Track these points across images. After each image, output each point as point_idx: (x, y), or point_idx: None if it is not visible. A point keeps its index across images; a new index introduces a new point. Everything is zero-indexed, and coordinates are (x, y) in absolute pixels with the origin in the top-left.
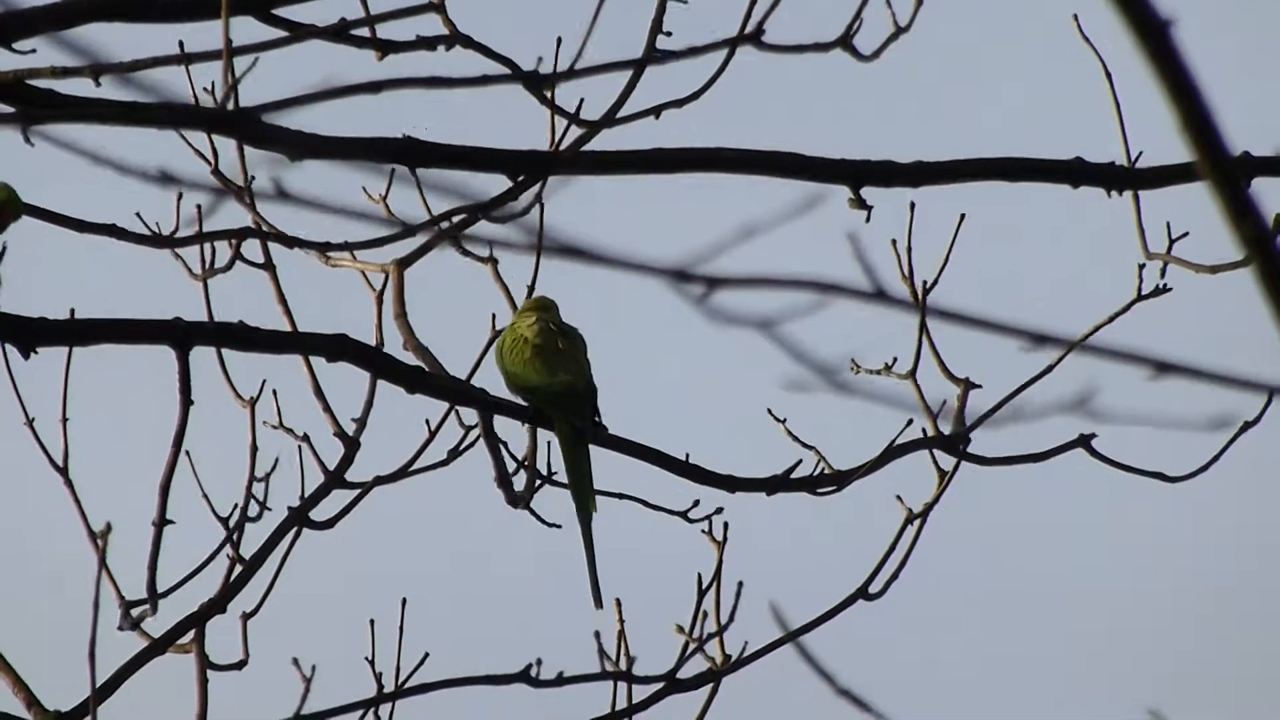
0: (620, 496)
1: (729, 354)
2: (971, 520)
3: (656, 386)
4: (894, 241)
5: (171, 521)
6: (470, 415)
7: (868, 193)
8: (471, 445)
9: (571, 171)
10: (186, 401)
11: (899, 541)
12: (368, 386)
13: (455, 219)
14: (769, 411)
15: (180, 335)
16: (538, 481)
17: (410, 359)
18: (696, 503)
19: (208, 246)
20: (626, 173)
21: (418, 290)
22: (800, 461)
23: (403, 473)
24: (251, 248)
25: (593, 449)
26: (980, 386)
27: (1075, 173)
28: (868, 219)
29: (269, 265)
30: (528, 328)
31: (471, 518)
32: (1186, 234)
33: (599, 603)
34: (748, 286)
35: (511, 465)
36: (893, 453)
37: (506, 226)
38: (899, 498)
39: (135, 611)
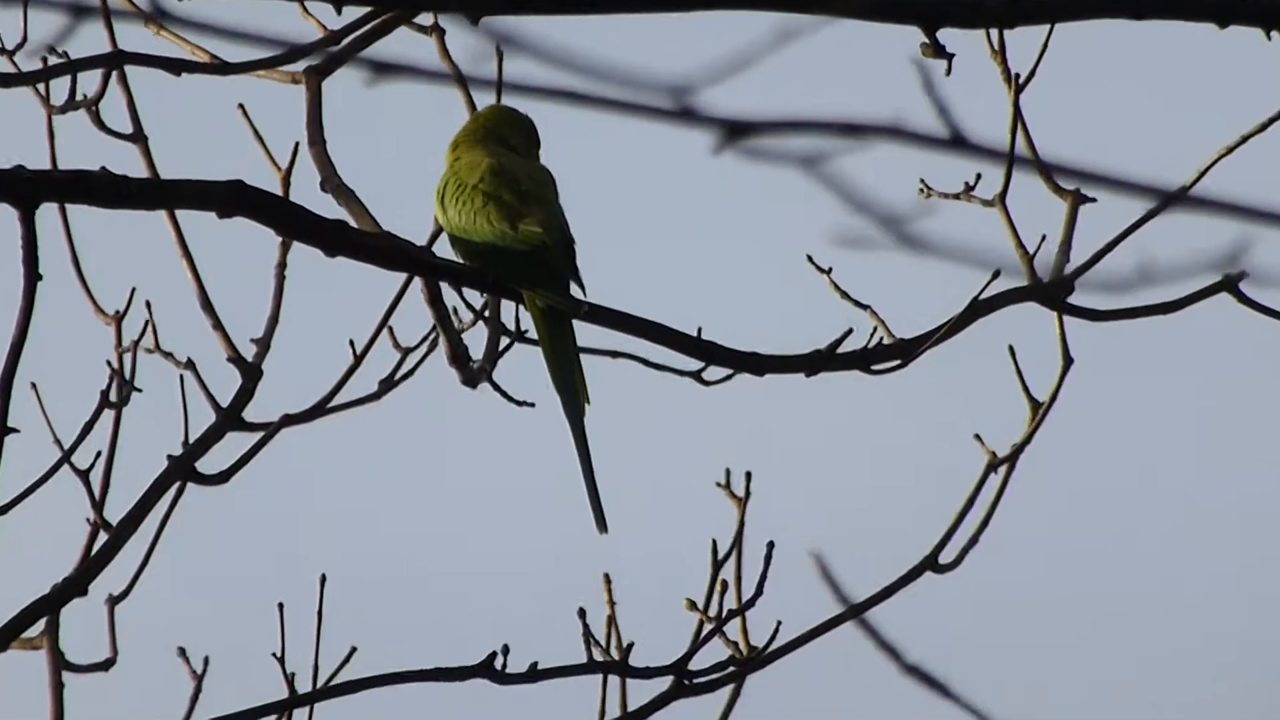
0: (613, 355)
1: (753, 204)
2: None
3: (656, 248)
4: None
5: (14, 430)
6: (411, 333)
7: (946, 36)
8: (411, 373)
9: (547, 10)
10: (33, 274)
11: (978, 494)
12: (273, 294)
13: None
14: (809, 260)
15: (23, 188)
16: (504, 341)
17: (330, 208)
18: (708, 364)
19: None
20: (613, 11)
21: (342, 120)
22: (851, 331)
23: (320, 409)
24: (118, 116)
25: (578, 325)
26: (1094, 200)
27: (1225, 8)
28: (948, 70)
29: (138, 136)
30: (473, 166)
31: (415, 462)
32: None
33: (602, 525)
34: (781, 131)
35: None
36: (975, 310)
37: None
38: (978, 437)
39: None
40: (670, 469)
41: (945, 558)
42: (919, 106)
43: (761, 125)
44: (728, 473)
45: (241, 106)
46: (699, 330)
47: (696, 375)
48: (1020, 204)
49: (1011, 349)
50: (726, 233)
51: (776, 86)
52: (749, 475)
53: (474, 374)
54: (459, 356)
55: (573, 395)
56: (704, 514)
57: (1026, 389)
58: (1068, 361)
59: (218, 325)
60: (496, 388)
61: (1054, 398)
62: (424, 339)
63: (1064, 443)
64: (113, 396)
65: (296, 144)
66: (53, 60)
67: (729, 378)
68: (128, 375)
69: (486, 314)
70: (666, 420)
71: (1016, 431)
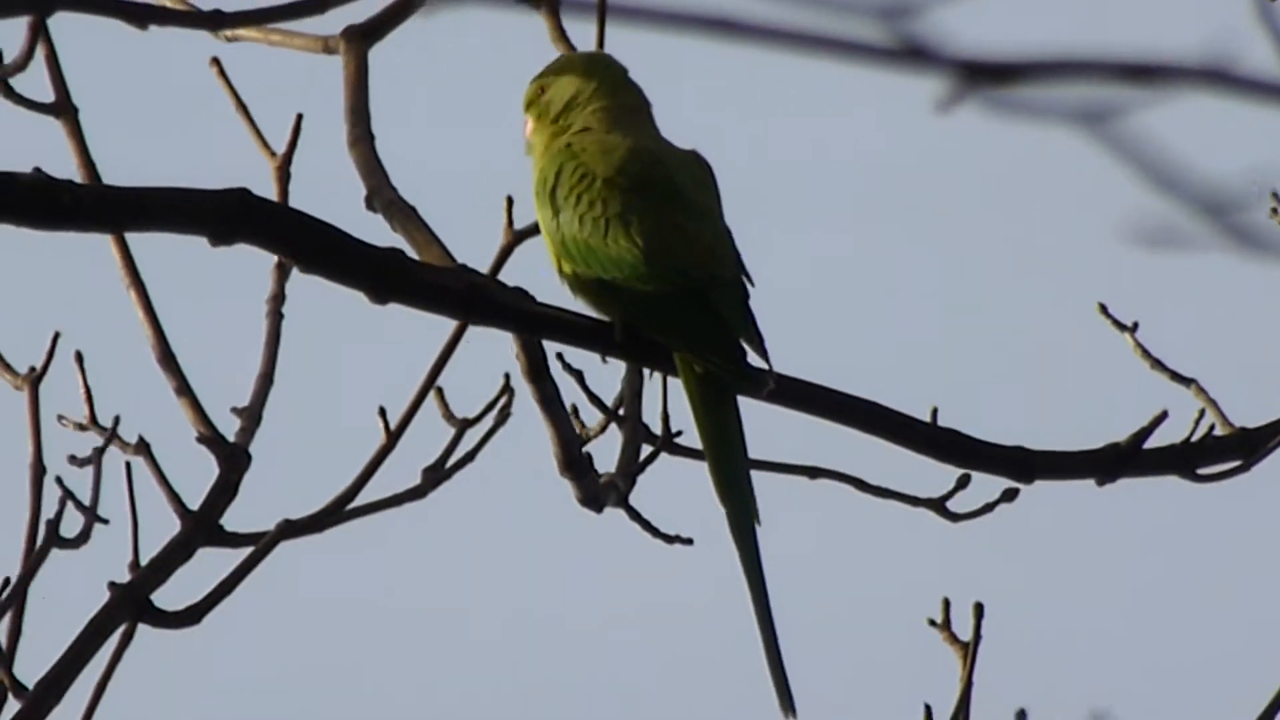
0: (811, 473)
1: (1000, 186)
2: None
3: (846, 262)
4: None
5: None
6: (472, 397)
7: None
8: (471, 457)
9: None
10: None
11: None
12: (265, 342)
13: None
14: (1101, 310)
15: None
16: (645, 451)
17: (380, 232)
18: (965, 481)
19: None
20: None
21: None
22: (1165, 414)
23: (336, 512)
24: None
25: (746, 404)
26: None
27: None
28: None
29: (64, 106)
30: (606, 149)
31: (481, 591)
32: None
33: (788, 707)
34: (1049, 75)
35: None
36: None
37: None
38: None
39: None
40: (854, 591)
41: None
42: (1252, 38)
43: (1019, 67)
44: (946, 605)
45: (217, 62)
46: (934, 413)
47: (939, 505)
48: None
49: None
50: (956, 233)
51: (1041, 10)
52: (980, 608)
53: (601, 492)
54: (575, 463)
55: (741, 505)
56: (908, 663)
57: None
58: None
59: (183, 389)
60: (635, 515)
61: None
62: (490, 404)
63: None
64: (29, 498)
65: (298, 118)
66: None
67: (988, 509)
68: (48, 465)
69: (622, 410)
70: (855, 529)
71: None
